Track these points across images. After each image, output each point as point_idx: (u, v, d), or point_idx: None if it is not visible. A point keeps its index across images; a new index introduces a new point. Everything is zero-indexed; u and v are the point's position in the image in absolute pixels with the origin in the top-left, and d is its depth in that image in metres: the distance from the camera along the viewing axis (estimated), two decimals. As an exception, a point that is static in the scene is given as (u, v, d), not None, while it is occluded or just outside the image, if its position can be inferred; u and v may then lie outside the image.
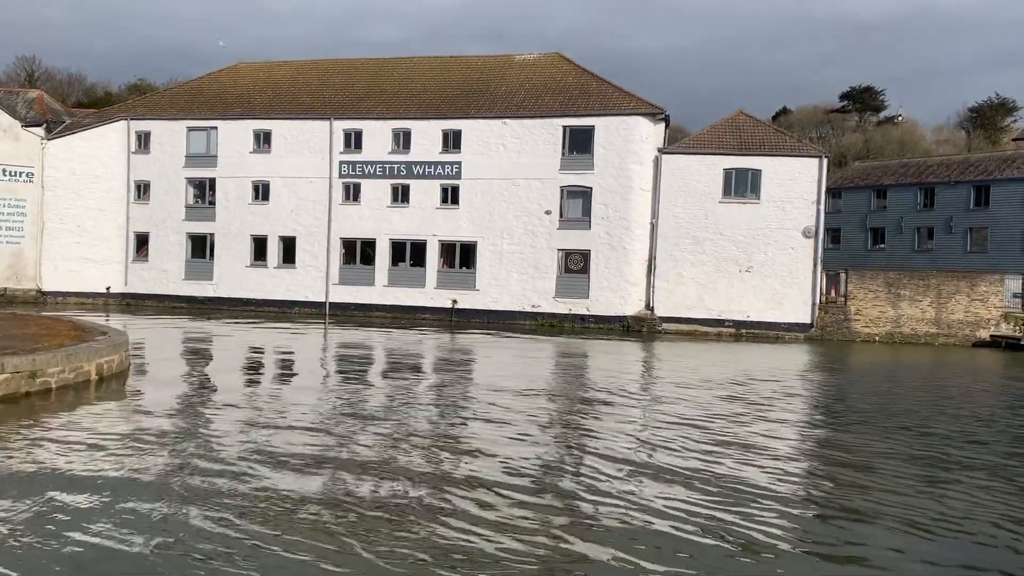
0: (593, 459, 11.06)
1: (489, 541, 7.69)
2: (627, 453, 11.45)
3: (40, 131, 38.95)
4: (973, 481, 10.71)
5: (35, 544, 7.31)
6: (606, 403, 15.86)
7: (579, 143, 34.70)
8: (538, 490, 9.41)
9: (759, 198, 33.47)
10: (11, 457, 10.12)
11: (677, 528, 8.29)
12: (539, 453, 11.31)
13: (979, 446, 13.18)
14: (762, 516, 8.76)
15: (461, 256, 36.23)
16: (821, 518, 8.90)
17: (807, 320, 33.34)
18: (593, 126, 34.46)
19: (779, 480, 10.41)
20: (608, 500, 9.14)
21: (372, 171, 36.65)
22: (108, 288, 39.05)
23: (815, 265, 33.15)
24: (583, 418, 14.22)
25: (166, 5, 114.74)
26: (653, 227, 34.36)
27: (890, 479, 10.64)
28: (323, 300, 37.00)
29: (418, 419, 13.36)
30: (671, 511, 8.76)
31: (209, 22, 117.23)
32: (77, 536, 7.52)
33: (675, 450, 11.78)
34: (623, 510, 8.80)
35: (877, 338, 33.67)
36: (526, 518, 8.36)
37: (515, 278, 35.26)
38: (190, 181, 38.74)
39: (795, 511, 9.17)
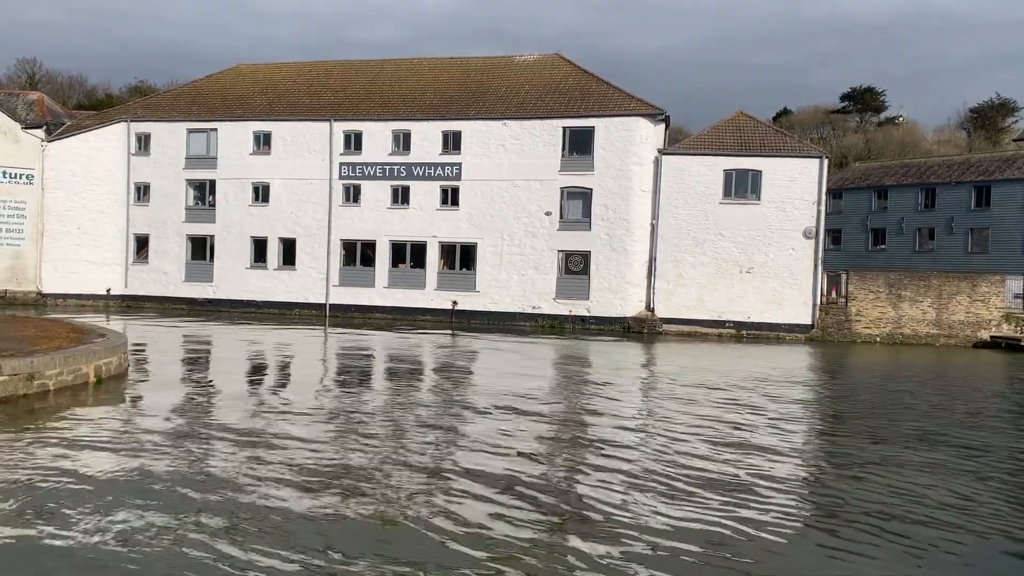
0: (590, 472, 10.99)
1: (476, 562, 7.56)
2: (625, 465, 11.29)
3: (40, 133, 38.96)
4: (985, 495, 10.64)
5: (23, 548, 7.26)
6: (604, 414, 15.77)
7: (579, 144, 34.66)
8: (534, 509, 9.18)
9: (759, 199, 33.42)
10: (5, 459, 10.07)
11: (678, 547, 8.20)
12: (536, 467, 11.22)
13: (991, 455, 13.12)
14: (763, 533, 8.68)
15: (461, 257, 36.20)
16: (828, 541, 8.63)
17: (808, 321, 33.28)
18: (593, 127, 34.43)
19: (781, 493, 10.32)
20: (604, 516, 9.02)
21: (372, 172, 36.62)
22: (108, 290, 39.04)
23: (816, 266, 33.09)
24: (581, 428, 14.16)
25: (163, 7, 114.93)
26: (653, 228, 34.31)
27: (896, 490, 10.58)
28: (323, 302, 36.97)
29: (413, 429, 13.23)
30: (671, 528, 8.54)
31: (205, 24, 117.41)
32: (65, 542, 7.46)
33: (675, 461, 11.65)
34: (621, 529, 8.67)
35: (878, 339, 33.61)
36: (518, 540, 8.11)
37: (515, 279, 35.22)
38: (190, 183, 38.73)
39: (799, 528, 9.09)
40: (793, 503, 9.51)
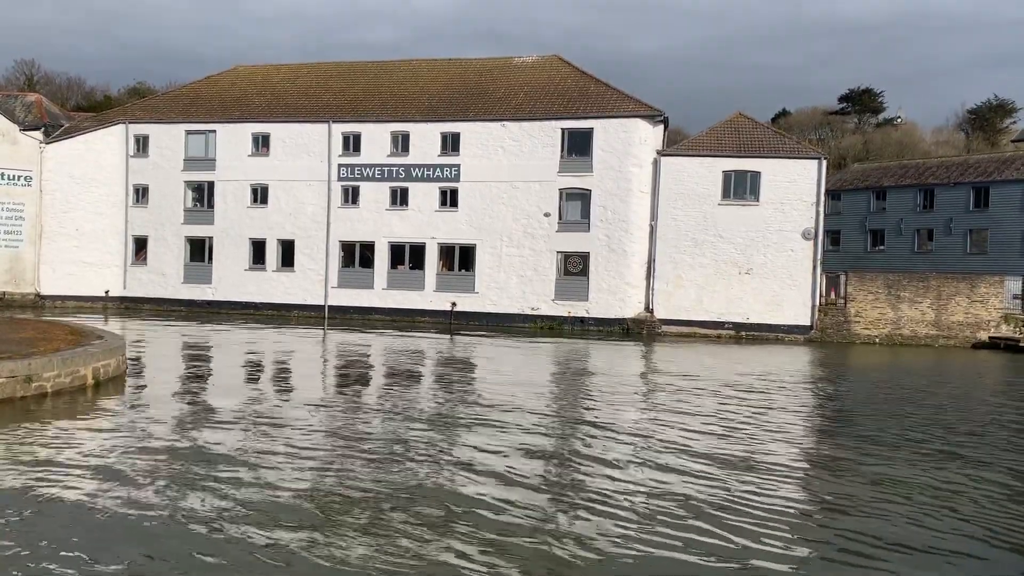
0: (591, 483, 10.95)
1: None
2: (620, 473, 11.11)
3: (38, 135, 38.92)
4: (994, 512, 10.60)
5: (16, 554, 7.22)
6: (604, 424, 15.69)
7: (578, 145, 34.65)
8: (533, 531, 8.95)
9: (758, 200, 33.41)
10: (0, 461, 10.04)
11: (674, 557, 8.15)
12: (535, 478, 11.19)
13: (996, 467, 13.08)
14: (761, 538, 8.63)
15: (460, 259, 36.16)
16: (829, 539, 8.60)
17: (807, 322, 33.26)
18: (592, 128, 34.41)
19: (783, 504, 10.28)
20: (598, 524, 8.95)
21: (371, 174, 36.59)
22: (107, 292, 38.99)
23: (815, 267, 33.09)
24: (575, 435, 14.11)
25: (161, 9, 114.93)
26: (652, 229, 34.30)
27: (895, 491, 10.56)
28: (322, 303, 36.93)
29: (412, 440, 13.08)
30: (674, 545, 8.38)
31: (203, 26, 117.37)
32: (57, 546, 7.42)
33: (676, 473, 11.47)
34: (616, 539, 8.57)
35: (877, 340, 33.59)
36: (510, 552, 8.01)
37: (514, 281, 35.19)
38: (188, 184, 38.70)
39: (799, 541, 9.06)
40: (790, 506, 9.48)
